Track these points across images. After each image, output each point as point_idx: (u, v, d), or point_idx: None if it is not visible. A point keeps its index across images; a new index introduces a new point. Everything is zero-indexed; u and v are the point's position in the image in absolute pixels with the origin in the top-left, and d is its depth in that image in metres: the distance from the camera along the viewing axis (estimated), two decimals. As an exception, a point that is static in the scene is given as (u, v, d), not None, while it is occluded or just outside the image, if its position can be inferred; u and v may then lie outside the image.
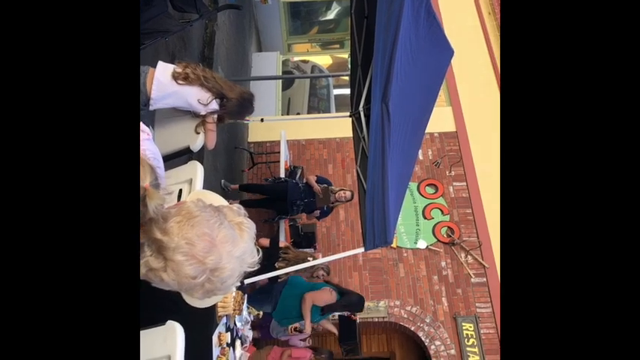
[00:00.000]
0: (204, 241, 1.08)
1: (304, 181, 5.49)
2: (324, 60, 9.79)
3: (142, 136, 1.64)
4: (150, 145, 1.54)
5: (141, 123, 1.74)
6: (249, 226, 1.18)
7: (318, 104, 8.61)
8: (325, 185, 5.34)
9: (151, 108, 2.49)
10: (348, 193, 5.28)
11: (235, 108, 2.65)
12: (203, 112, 2.57)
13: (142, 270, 1.08)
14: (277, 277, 4.90)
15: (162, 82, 2.45)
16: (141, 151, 1.15)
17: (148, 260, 1.08)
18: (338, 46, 10.26)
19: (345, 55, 9.66)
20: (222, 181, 5.53)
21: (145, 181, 1.10)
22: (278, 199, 5.38)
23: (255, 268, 1.18)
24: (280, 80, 7.96)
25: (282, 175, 5.84)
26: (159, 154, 1.54)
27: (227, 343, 3.26)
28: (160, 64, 2.52)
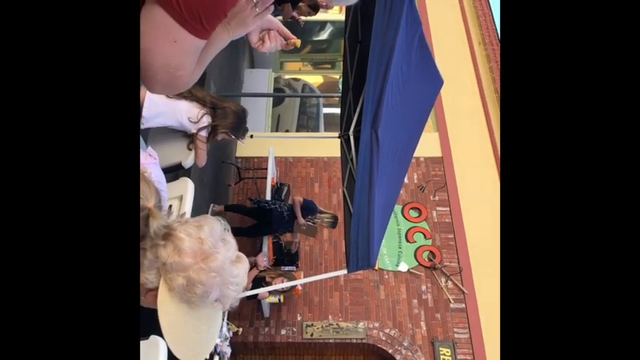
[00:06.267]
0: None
1: (289, 202, 5.53)
2: (315, 79, 9.89)
3: (150, 160, 1.68)
4: (156, 170, 1.57)
5: (150, 148, 1.78)
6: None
7: (307, 122, 8.68)
8: (310, 220, 5.41)
9: (143, 127, 2.51)
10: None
11: (230, 117, 2.68)
12: (194, 130, 2.60)
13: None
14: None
15: (154, 100, 2.49)
16: (148, 174, 1.19)
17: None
18: (329, 66, 10.37)
19: (336, 76, 9.77)
20: (211, 206, 5.58)
21: (150, 201, 1.14)
22: (263, 225, 5.43)
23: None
24: (271, 97, 8.03)
25: (268, 196, 5.86)
26: (164, 179, 1.57)
27: (205, 359, 3.26)
28: None
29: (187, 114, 2.57)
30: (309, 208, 5.41)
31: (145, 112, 2.48)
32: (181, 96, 2.55)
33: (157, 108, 2.51)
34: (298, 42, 1.53)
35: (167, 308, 1.17)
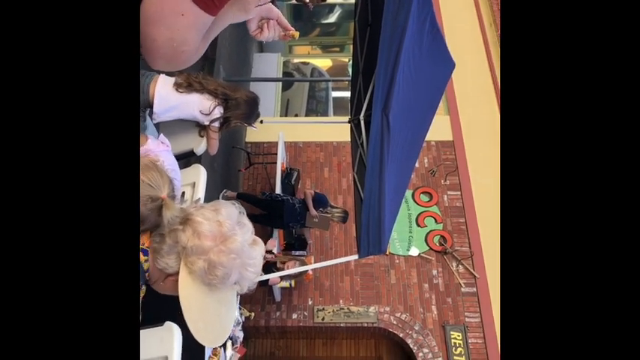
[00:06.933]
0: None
1: (302, 197, 5.51)
2: (324, 63, 9.83)
3: (162, 147, 1.68)
4: (168, 157, 1.57)
5: (162, 135, 1.78)
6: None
7: (316, 107, 8.64)
8: (321, 212, 5.37)
9: (154, 122, 2.51)
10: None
11: (242, 107, 2.66)
12: (206, 122, 2.59)
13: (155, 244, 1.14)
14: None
15: (164, 95, 2.47)
16: (160, 162, 1.19)
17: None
18: (338, 49, 10.30)
19: (346, 59, 9.70)
20: (223, 191, 5.57)
21: (164, 191, 1.15)
22: (274, 217, 5.41)
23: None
24: (280, 82, 7.99)
25: (278, 182, 5.85)
26: (177, 166, 1.57)
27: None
28: (161, 77, 2.52)
29: (199, 107, 2.54)
30: (320, 201, 5.40)
31: (155, 108, 2.48)
32: (193, 89, 2.53)
33: (168, 103, 2.49)
34: (296, 34, 1.52)
35: (188, 292, 1.18)
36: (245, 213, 1.26)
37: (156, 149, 1.84)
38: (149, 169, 1.20)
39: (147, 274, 1.26)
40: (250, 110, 2.73)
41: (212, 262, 1.15)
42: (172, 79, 2.53)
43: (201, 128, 2.66)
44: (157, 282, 1.26)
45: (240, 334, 4.19)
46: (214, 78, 2.66)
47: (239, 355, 3.97)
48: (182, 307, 1.18)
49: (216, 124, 2.62)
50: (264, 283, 5.00)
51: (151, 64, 1.16)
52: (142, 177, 1.17)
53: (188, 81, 2.50)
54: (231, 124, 2.67)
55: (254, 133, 6.87)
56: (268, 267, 4.81)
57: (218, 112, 2.58)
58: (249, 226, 1.23)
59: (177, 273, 1.19)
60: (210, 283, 1.17)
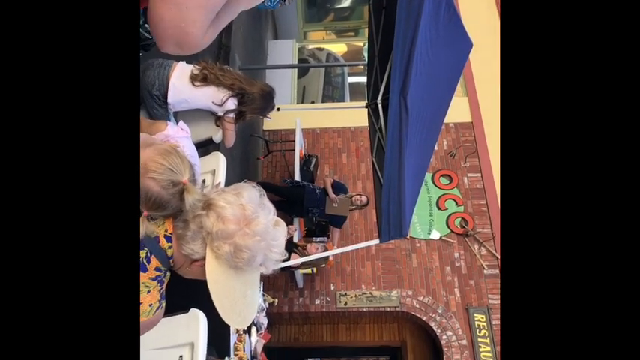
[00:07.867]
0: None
1: (321, 186, 5.53)
2: (339, 48, 9.76)
3: (181, 134, 1.69)
4: (188, 144, 1.58)
5: (181, 122, 1.79)
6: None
7: (332, 92, 8.60)
8: (342, 195, 5.38)
9: (171, 111, 2.52)
10: (364, 199, 5.47)
11: (257, 102, 2.65)
12: (220, 113, 2.58)
13: (178, 230, 1.15)
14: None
15: (178, 86, 2.48)
16: (180, 148, 1.20)
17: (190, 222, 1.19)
18: (353, 34, 10.21)
19: (360, 44, 9.62)
20: (244, 182, 5.57)
21: (185, 176, 1.16)
22: (294, 203, 5.44)
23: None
24: (296, 68, 7.96)
25: (297, 169, 5.86)
26: (196, 153, 1.58)
27: (244, 330, 3.33)
28: (178, 67, 2.52)
29: (212, 98, 2.55)
30: (340, 188, 5.44)
31: (169, 99, 2.50)
32: (208, 82, 2.53)
33: (181, 95, 2.50)
34: None
35: (215, 276, 1.20)
36: (265, 195, 1.27)
37: (175, 135, 1.86)
38: (170, 154, 1.22)
39: (171, 260, 1.27)
40: (265, 103, 2.73)
41: (238, 245, 1.16)
42: (189, 69, 2.53)
43: (217, 119, 2.67)
44: (182, 267, 1.28)
45: (265, 321, 4.23)
46: (231, 69, 2.64)
47: (264, 341, 4.02)
48: (210, 290, 1.20)
49: (231, 116, 2.62)
50: (285, 268, 5.04)
51: (161, 46, 1.14)
52: (163, 162, 1.19)
53: (204, 73, 2.50)
54: (246, 117, 2.67)
55: (271, 121, 6.87)
56: (288, 245, 4.84)
57: (232, 103, 2.57)
58: (270, 207, 1.25)
59: (203, 258, 1.21)
60: (236, 266, 1.20)
